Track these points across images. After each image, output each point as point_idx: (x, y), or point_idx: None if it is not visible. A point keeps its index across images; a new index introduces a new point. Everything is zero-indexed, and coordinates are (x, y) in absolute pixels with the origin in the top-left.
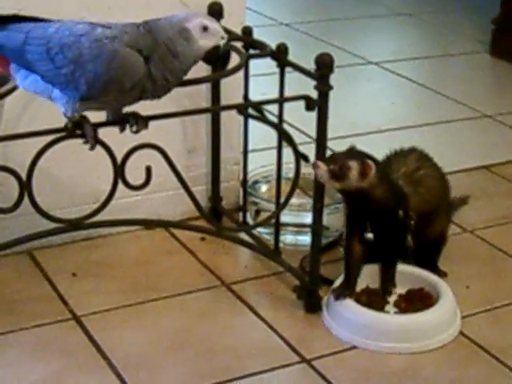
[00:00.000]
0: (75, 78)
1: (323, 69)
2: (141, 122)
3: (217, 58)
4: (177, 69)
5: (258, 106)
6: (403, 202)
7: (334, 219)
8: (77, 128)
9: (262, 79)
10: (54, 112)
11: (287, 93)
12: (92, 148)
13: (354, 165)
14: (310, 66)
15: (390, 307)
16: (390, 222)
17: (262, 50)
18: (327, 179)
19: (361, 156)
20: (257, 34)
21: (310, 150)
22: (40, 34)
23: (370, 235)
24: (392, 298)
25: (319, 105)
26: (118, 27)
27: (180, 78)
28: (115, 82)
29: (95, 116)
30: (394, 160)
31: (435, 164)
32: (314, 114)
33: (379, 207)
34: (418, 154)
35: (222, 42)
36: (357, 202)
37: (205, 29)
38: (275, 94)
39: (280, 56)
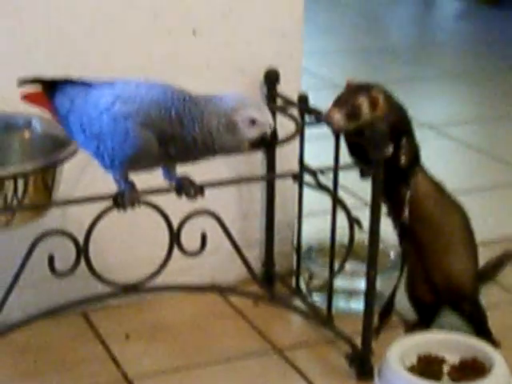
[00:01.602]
0: (100, 152)
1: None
2: (196, 189)
3: (261, 143)
4: (205, 156)
5: (314, 173)
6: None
7: (388, 285)
8: (120, 196)
9: (317, 141)
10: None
11: (342, 157)
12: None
13: (363, 99)
14: None
15: (443, 377)
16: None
17: (318, 117)
18: (345, 124)
19: (365, 88)
20: (312, 96)
21: (363, 213)
22: (80, 103)
23: None
24: (445, 368)
25: (374, 172)
26: (142, 102)
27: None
28: (130, 160)
29: (148, 182)
30: None
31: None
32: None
33: (393, 131)
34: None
35: (268, 131)
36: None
37: (253, 122)
38: (330, 156)
39: None
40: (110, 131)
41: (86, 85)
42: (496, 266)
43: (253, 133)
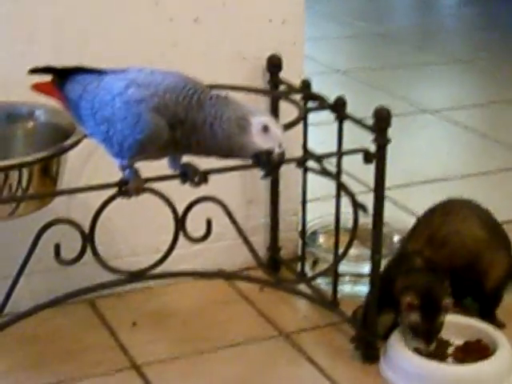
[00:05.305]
0: (110, 136)
1: (381, 122)
2: (200, 176)
3: (267, 163)
4: (206, 146)
5: (318, 159)
6: None
7: None
8: (125, 183)
9: (320, 127)
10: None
11: (345, 141)
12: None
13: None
14: (367, 114)
15: (448, 358)
16: None
17: (321, 102)
18: None
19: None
20: (314, 81)
21: (368, 200)
22: (92, 88)
23: None
24: (450, 350)
25: (377, 158)
26: (157, 88)
27: (208, 155)
28: (140, 145)
29: (154, 169)
30: (422, 223)
31: (468, 213)
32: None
33: None
34: (446, 207)
35: (277, 150)
36: None
37: (265, 129)
38: (333, 142)
39: (338, 109)
40: (121, 115)
41: (98, 72)
42: None
43: (261, 141)
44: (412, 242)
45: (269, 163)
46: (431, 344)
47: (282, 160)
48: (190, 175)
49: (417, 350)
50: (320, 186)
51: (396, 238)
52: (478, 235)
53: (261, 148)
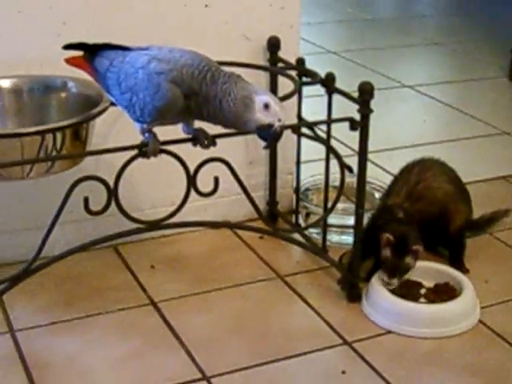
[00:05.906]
0: (132, 103)
1: (365, 95)
2: (209, 139)
3: (267, 135)
4: (215, 116)
5: (310, 126)
6: None
7: None
8: (144, 146)
9: (313, 100)
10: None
11: (334, 111)
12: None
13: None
14: (354, 88)
15: (420, 298)
16: None
17: (313, 78)
18: None
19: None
20: (308, 61)
21: (353, 162)
22: (118, 62)
23: None
24: (422, 291)
25: (361, 125)
26: (176, 63)
27: (216, 124)
28: (158, 111)
29: (170, 134)
30: (400, 180)
31: (439, 172)
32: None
33: None
34: (421, 166)
35: (277, 124)
36: None
37: (266, 106)
38: (324, 113)
39: (328, 83)
40: (143, 85)
41: (123, 49)
42: (489, 220)
43: (262, 117)
44: (393, 196)
45: (269, 135)
46: (393, 278)
47: (280, 133)
48: (200, 139)
49: (382, 282)
50: (312, 150)
51: (377, 195)
52: (447, 189)
53: (262, 122)
